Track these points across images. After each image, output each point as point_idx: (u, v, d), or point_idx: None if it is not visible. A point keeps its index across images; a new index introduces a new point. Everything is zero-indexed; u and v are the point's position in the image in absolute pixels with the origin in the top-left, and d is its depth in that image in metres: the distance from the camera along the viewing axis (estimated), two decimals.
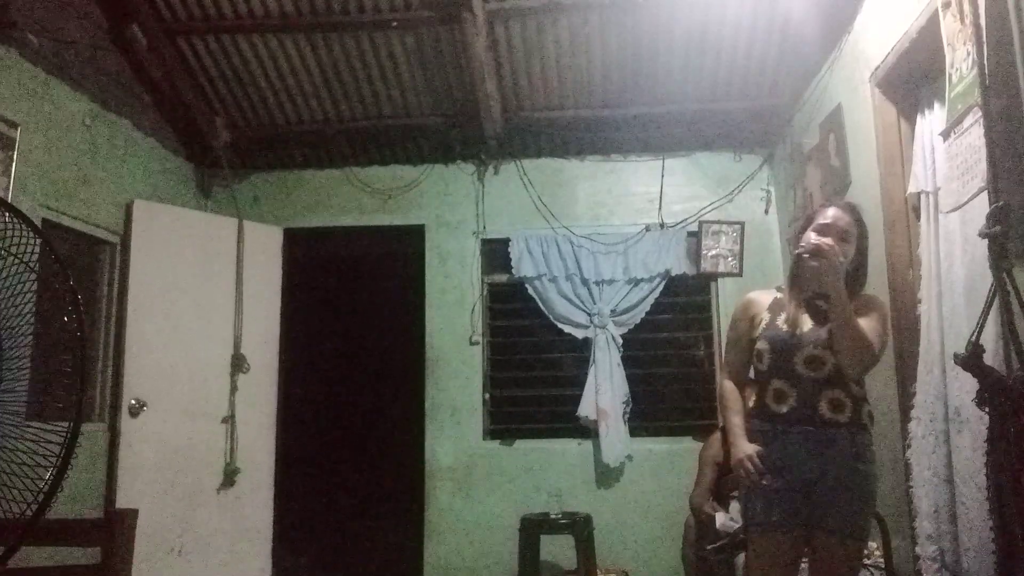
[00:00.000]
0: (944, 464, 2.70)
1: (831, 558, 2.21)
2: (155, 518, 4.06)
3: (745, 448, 2.28)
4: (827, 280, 2.20)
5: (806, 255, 2.23)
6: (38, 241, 1.76)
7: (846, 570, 2.22)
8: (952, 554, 2.65)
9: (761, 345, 2.33)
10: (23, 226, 1.76)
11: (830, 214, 2.33)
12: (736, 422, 2.35)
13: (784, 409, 2.25)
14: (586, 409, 4.62)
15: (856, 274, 2.33)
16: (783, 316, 2.32)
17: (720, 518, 3.38)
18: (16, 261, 1.73)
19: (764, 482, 2.22)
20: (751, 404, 2.35)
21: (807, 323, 2.29)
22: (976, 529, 2.47)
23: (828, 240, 2.24)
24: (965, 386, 2.57)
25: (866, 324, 2.19)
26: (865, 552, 2.56)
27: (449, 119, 4.87)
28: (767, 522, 2.24)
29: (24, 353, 1.80)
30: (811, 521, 2.20)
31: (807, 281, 2.30)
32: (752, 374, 2.41)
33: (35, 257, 1.78)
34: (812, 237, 2.26)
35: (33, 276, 1.76)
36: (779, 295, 2.40)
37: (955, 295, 2.67)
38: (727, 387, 2.43)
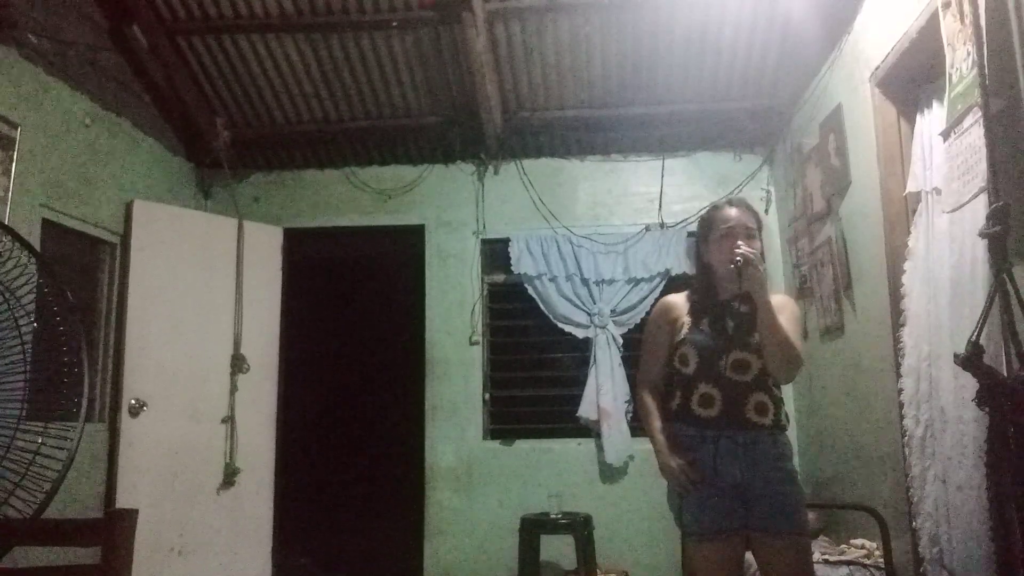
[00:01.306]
0: (943, 464, 2.70)
1: (782, 558, 2.17)
2: (155, 518, 4.05)
3: (671, 460, 2.25)
4: (755, 289, 2.20)
5: (732, 267, 2.22)
6: (32, 260, 1.78)
7: (802, 566, 2.20)
8: (951, 555, 2.65)
9: (687, 349, 2.30)
10: (24, 250, 1.78)
11: (733, 216, 2.32)
12: (658, 427, 2.32)
13: (711, 413, 2.24)
14: (587, 409, 4.62)
15: None
16: (706, 320, 2.31)
17: None
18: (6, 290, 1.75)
19: (695, 489, 2.21)
20: (674, 408, 2.32)
21: (730, 326, 2.29)
22: (965, 528, 2.47)
23: (747, 247, 2.22)
24: (950, 385, 2.58)
25: (785, 328, 2.20)
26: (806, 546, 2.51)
27: (449, 119, 4.87)
28: (703, 531, 2.21)
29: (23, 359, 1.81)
30: (749, 524, 2.18)
31: (725, 284, 2.31)
32: (673, 378, 2.37)
33: (33, 279, 1.80)
34: (742, 248, 2.22)
35: (22, 310, 1.78)
36: (695, 298, 2.39)
37: (943, 294, 2.67)
38: (646, 398, 2.39)
